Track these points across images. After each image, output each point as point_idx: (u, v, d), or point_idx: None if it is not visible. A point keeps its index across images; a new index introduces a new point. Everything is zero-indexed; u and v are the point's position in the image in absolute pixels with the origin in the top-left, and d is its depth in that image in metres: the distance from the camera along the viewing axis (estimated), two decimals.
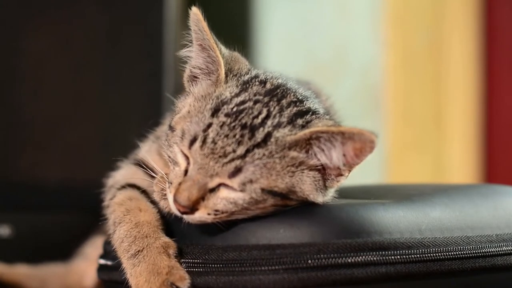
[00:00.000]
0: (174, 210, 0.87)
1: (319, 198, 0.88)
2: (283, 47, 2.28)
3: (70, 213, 1.54)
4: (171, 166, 0.90)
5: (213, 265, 0.87)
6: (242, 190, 0.85)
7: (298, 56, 2.27)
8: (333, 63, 2.24)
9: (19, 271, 1.35)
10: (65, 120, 1.61)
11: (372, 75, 2.23)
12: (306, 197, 0.87)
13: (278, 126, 0.86)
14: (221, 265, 0.86)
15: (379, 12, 2.23)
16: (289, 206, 0.87)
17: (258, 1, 2.27)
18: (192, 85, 0.95)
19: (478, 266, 0.91)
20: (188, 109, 0.91)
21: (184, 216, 0.87)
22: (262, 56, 2.25)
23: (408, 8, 2.27)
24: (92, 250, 1.30)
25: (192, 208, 0.85)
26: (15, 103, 1.60)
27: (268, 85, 0.92)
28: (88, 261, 1.31)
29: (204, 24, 0.91)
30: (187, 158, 0.87)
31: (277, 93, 0.91)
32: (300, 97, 0.92)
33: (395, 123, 2.24)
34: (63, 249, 1.37)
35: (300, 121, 0.88)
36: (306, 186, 0.87)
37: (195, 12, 0.91)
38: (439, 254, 0.88)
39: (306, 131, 0.86)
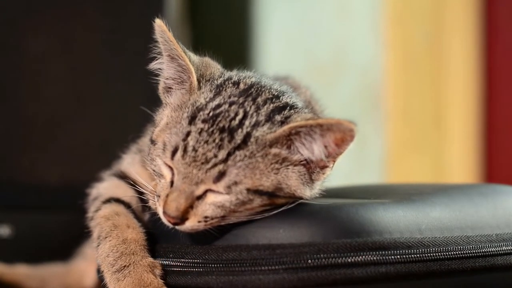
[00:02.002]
0: (166, 222, 0.87)
1: (307, 192, 0.89)
2: (283, 47, 2.28)
3: (70, 213, 1.54)
4: (157, 179, 0.90)
5: (213, 265, 0.87)
6: (228, 193, 0.85)
7: (298, 56, 2.27)
8: (333, 63, 2.24)
9: (19, 271, 1.35)
10: (65, 120, 1.61)
11: (372, 75, 2.23)
12: (293, 193, 0.87)
13: (256, 125, 0.86)
14: (221, 265, 0.87)
15: (379, 12, 2.23)
16: (277, 205, 0.87)
17: (258, 1, 2.27)
18: (168, 96, 0.95)
19: (478, 265, 0.91)
20: (166, 121, 0.91)
21: (176, 227, 0.87)
22: (262, 56, 2.25)
23: (408, 8, 2.27)
24: (92, 250, 1.30)
25: (182, 218, 0.86)
26: (15, 103, 1.60)
27: (241, 86, 0.91)
28: (88, 261, 1.31)
29: (170, 34, 0.91)
30: (171, 169, 0.87)
31: (251, 92, 0.90)
32: (276, 93, 0.92)
33: (395, 123, 2.24)
34: (63, 249, 1.37)
35: (278, 117, 0.88)
36: (292, 181, 0.87)
37: (159, 24, 0.91)
38: (439, 253, 0.88)
39: (285, 128, 0.86)
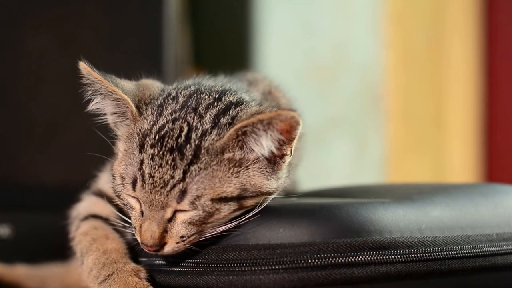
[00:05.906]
0: (147, 251, 0.87)
1: (273, 185, 0.88)
2: (283, 47, 2.29)
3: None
4: (129, 211, 0.90)
5: (213, 265, 0.87)
6: (194, 208, 0.85)
7: (298, 56, 2.28)
8: (333, 63, 2.24)
9: (19, 271, 1.35)
10: (65, 120, 1.61)
11: (372, 74, 2.23)
12: (260, 190, 0.87)
13: (203, 135, 0.86)
14: (221, 265, 0.86)
15: (379, 12, 2.23)
16: (249, 208, 0.87)
17: (258, 1, 2.27)
18: (118, 130, 0.94)
19: (478, 265, 0.91)
20: (121, 154, 0.91)
21: (158, 253, 0.87)
22: (262, 56, 2.25)
23: (408, 8, 2.27)
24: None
25: (160, 244, 0.86)
26: (15, 103, 1.60)
27: (180, 99, 0.91)
28: None
29: (95, 74, 0.91)
30: (138, 199, 0.88)
31: (190, 103, 0.90)
32: (217, 95, 0.91)
33: (395, 123, 2.24)
34: (63, 249, 1.37)
35: (224, 120, 0.87)
36: (256, 179, 0.87)
37: (83, 67, 0.91)
38: (439, 253, 0.88)
39: (231, 131, 0.85)
